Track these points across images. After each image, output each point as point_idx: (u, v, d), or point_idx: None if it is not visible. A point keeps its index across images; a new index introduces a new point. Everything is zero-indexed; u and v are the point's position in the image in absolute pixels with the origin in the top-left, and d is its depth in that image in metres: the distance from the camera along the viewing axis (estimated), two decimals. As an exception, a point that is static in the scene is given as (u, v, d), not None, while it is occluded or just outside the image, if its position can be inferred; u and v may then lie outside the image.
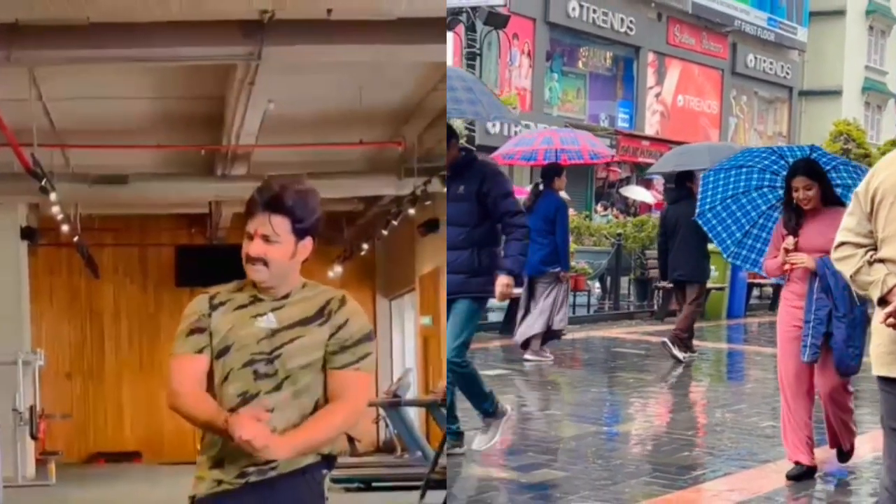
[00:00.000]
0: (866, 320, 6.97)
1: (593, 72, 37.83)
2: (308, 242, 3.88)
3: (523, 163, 17.36)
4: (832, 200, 7.10)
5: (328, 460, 3.97)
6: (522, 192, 28.42)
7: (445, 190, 13.85)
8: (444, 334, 15.80)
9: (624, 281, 21.07)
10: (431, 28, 10.10)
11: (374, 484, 15.00)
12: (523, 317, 13.90)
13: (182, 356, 3.81)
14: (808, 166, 7.04)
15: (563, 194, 14.27)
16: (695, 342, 14.28)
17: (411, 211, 15.10)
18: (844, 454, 7.78)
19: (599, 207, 31.50)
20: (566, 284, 13.86)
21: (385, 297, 22.27)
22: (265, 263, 3.79)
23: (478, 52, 19.81)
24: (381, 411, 18.89)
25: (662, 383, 12.74)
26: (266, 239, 3.78)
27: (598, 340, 15.06)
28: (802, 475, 7.40)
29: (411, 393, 17.39)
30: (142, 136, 14.68)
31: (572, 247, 20.35)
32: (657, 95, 39.88)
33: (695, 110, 41.81)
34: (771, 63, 45.17)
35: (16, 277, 16.60)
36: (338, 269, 21.14)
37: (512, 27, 22.96)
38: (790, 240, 7.04)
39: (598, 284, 20.75)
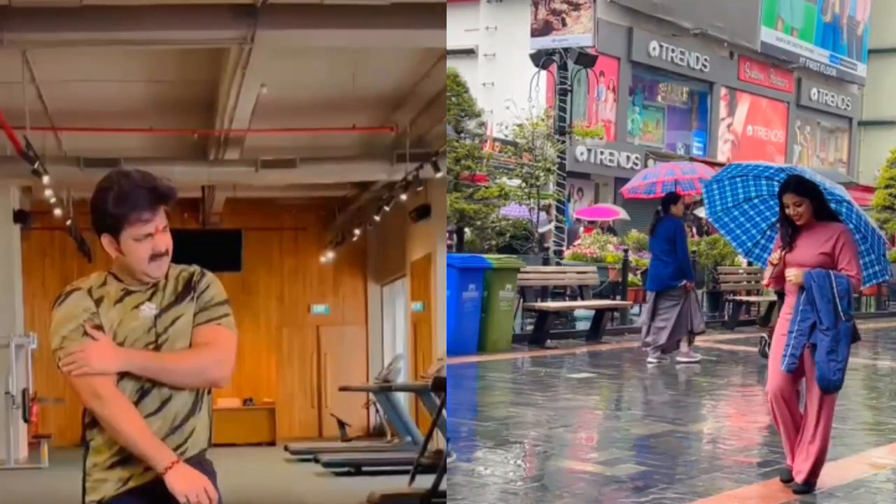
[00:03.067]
0: (853, 335, 6.94)
1: (671, 105, 40.33)
2: None
3: (645, 196, 18.22)
4: (827, 216, 7.05)
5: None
6: (612, 212, 29.22)
7: (437, 176, 14.05)
8: (435, 321, 15.97)
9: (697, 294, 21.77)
10: (429, 14, 10.16)
11: (364, 468, 15.04)
12: (649, 326, 14.68)
13: None
14: (798, 183, 7.01)
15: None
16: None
17: (403, 197, 15.10)
18: (802, 485, 7.26)
19: None
20: (693, 293, 14.76)
21: (376, 282, 22.27)
22: (169, 253, 3.74)
23: (569, 88, 21.14)
24: (372, 396, 18.93)
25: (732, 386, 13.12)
26: (165, 230, 3.70)
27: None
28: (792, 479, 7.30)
29: (402, 378, 17.43)
30: (135, 120, 14.64)
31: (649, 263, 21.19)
32: (728, 126, 42.50)
33: (762, 139, 44.55)
34: (833, 96, 47.74)
35: (8, 261, 16.61)
36: (330, 255, 21.16)
37: (599, 66, 24.39)
38: (776, 254, 7.06)
39: None
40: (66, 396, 19.99)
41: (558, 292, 19.36)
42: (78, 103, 13.92)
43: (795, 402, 7.22)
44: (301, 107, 14.03)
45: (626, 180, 33.75)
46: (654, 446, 8.95)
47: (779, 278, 7.11)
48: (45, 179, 13.90)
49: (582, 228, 27.17)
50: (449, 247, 22.61)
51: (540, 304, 17.05)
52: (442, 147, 14.42)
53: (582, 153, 32.20)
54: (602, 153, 33.70)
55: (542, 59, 21.13)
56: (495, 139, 25.57)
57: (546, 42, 21.59)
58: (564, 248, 20.99)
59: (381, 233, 19.63)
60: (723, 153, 41.24)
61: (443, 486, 9.71)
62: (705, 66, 39.22)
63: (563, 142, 20.94)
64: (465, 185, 20.55)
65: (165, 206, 3.67)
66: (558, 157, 20.63)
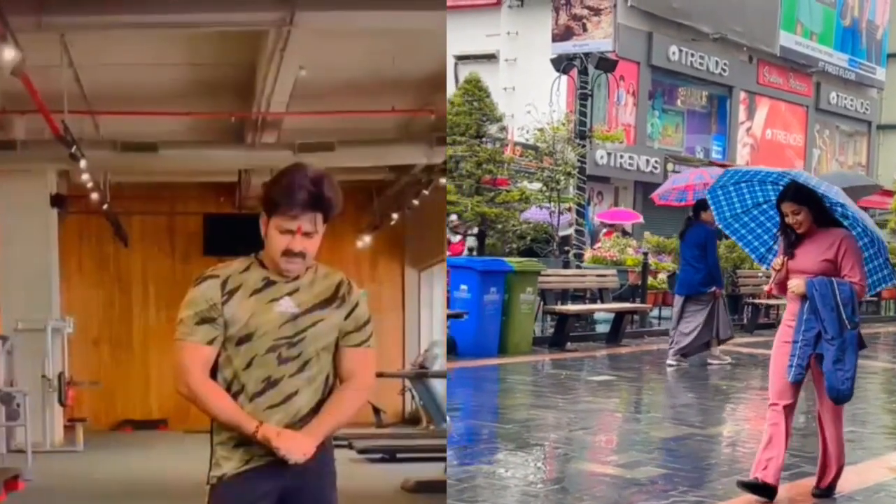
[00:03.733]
0: (860, 344, 6.78)
1: (690, 109, 40.77)
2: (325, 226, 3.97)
3: (676, 204, 18.43)
4: (828, 221, 6.90)
5: None
6: (633, 215, 29.38)
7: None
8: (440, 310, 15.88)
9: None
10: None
11: (398, 455, 14.95)
12: (676, 330, 14.89)
13: (192, 345, 3.83)
14: (796, 191, 6.85)
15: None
16: None
17: (442, 180, 15.01)
18: (823, 490, 7.30)
19: None
20: (722, 299, 15.00)
21: (414, 267, 22.18)
22: (304, 257, 3.87)
23: (589, 93, 21.34)
24: (408, 383, 18.84)
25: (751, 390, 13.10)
26: (306, 234, 3.84)
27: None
28: (757, 488, 7.08)
29: (438, 364, 17.33)
30: (172, 103, 14.59)
31: (670, 266, 21.13)
32: (748, 130, 42.95)
33: (782, 143, 44.96)
34: (851, 100, 47.98)
35: (46, 245, 16.56)
36: (366, 240, 21.07)
37: (619, 70, 24.55)
38: (777, 261, 6.93)
39: None
40: (100, 380, 20.05)
41: (578, 295, 19.51)
42: (115, 87, 13.88)
43: (792, 413, 7.04)
44: (339, 89, 13.94)
45: (645, 184, 34.11)
46: (675, 449, 8.99)
47: (781, 285, 6.97)
48: (83, 163, 13.87)
49: (603, 232, 27.27)
50: (470, 250, 22.65)
51: (560, 307, 17.21)
52: (442, 139, 14.38)
53: (602, 157, 32.45)
54: (622, 157, 33.95)
55: (562, 63, 21.26)
56: (516, 143, 25.67)
57: (567, 47, 21.76)
58: (585, 252, 21.02)
59: (420, 217, 19.52)
60: (742, 157, 41.50)
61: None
62: (724, 71, 39.40)
63: (584, 146, 20.99)
64: (487, 189, 20.55)
65: (319, 213, 3.83)
66: (578, 160, 20.75)
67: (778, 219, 7.28)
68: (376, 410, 20.14)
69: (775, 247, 7.46)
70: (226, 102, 14.79)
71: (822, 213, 6.84)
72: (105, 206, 17.12)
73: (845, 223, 6.97)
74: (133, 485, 13.01)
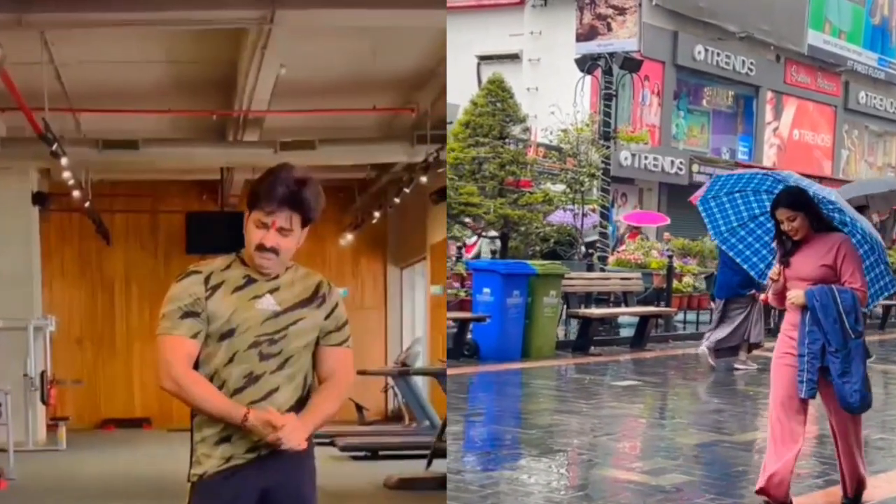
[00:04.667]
0: (866, 353, 6.63)
1: (716, 109, 40.32)
2: (307, 230, 4.00)
3: None
4: (826, 226, 6.72)
5: None
6: (660, 218, 29.34)
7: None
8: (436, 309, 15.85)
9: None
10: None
11: (381, 452, 14.96)
12: (713, 330, 15.03)
13: (177, 338, 3.84)
14: (790, 197, 6.66)
15: None
16: None
17: (423, 179, 14.98)
18: (851, 499, 7.12)
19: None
20: (759, 303, 14.81)
21: (396, 265, 22.19)
22: (276, 253, 3.90)
23: (613, 93, 21.04)
24: (390, 380, 18.84)
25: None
26: (281, 231, 3.88)
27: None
28: None
29: (420, 362, 17.34)
30: (153, 101, 14.56)
31: (695, 269, 21.40)
32: (775, 130, 42.50)
33: (809, 143, 44.42)
34: (881, 99, 47.41)
35: (27, 243, 16.54)
36: (349, 238, 21.06)
37: (644, 70, 24.40)
38: (774, 270, 6.72)
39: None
40: (83, 378, 20.02)
41: (602, 298, 19.35)
42: (96, 84, 13.84)
43: (804, 424, 6.82)
44: (321, 87, 13.93)
45: (670, 185, 33.99)
46: (700, 456, 8.91)
47: (780, 295, 6.75)
48: (64, 161, 13.83)
49: (627, 234, 27.17)
50: (493, 252, 22.59)
51: (584, 311, 17.07)
52: (422, 137, 14.39)
53: (626, 158, 32.24)
54: (646, 158, 33.65)
55: (587, 63, 21.09)
56: (539, 144, 25.53)
57: (591, 47, 21.62)
58: (609, 254, 20.85)
59: (401, 215, 19.53)
60: (768, 158, 41.08)
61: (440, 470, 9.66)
62: (751, 70, 39.03)
63: (608, 147, 20.89)
64: (510, 191, 20.43)
65: (297, 213, 3.89)
66: (603, 162, 20.64)
67: (775, 232, 7.07)
68: (359, 408, 20.14)
69: (774, 262, 7.20)
70: (207, 100, 14.77)
71: (818, 219, 6.65)
72: (87, 204, 17.08)
73: (844, 230, 6.78)
74: (116, 483, 13.00)
